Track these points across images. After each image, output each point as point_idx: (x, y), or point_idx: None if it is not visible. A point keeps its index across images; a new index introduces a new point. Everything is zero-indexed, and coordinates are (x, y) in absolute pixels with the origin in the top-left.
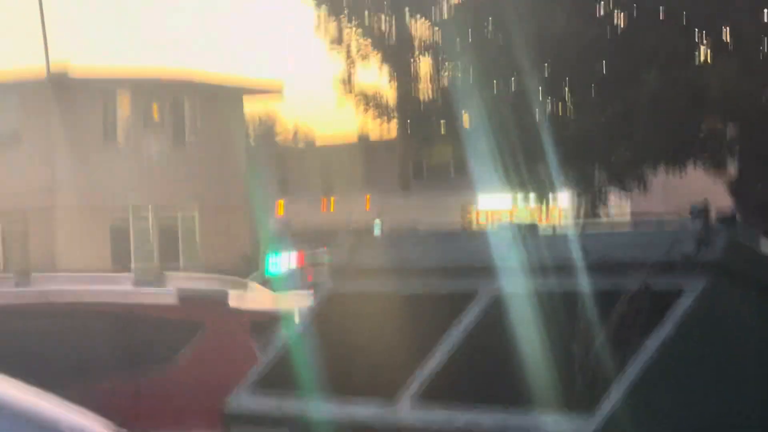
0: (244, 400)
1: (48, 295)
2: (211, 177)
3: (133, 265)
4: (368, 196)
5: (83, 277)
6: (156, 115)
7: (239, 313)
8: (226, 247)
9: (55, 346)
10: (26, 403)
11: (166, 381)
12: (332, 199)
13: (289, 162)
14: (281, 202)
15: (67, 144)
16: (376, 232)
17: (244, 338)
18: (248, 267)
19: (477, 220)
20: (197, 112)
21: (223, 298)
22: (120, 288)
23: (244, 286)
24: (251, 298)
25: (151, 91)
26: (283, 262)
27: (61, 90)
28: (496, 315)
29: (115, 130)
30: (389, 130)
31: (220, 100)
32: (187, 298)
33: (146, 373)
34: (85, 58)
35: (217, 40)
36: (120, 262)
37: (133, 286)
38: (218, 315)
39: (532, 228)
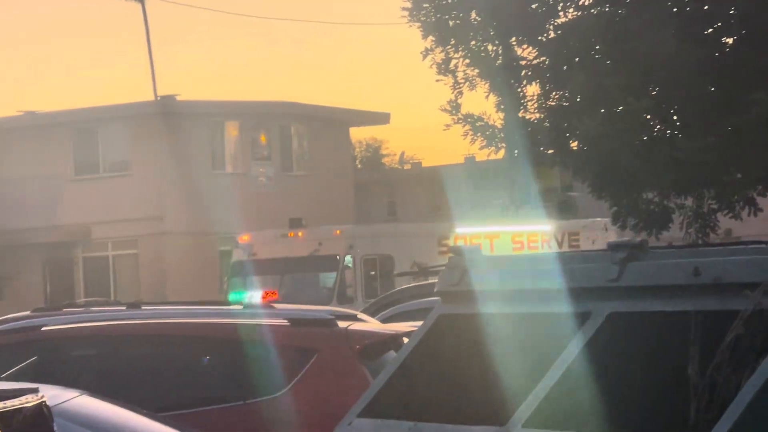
0: (356, 425)
1: (159, 323)
2: (318, 204)
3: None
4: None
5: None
6: (263, 144)
7: (350, 338)
8: None
9: (167, 373)
10: (140, 425)
11: (278, 407)
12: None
13: (397, 184)
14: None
15: (176, 173)
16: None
17: (356, 363)
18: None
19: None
20: (304, 142)
21: (333, 323)
22: (230, 314)
23: (352, 317)
24: (360, 325)
25: (259, 121)
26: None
27: (170, 120)
28: (609, 337)
29: (223, 159)
30: (496, 152)
31: (327, 130)
32: (298, 324)
33: (258, 399)
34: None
35: (323, 71)
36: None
37: (245, 312)
38: (329, 340)
39: (642, 247)
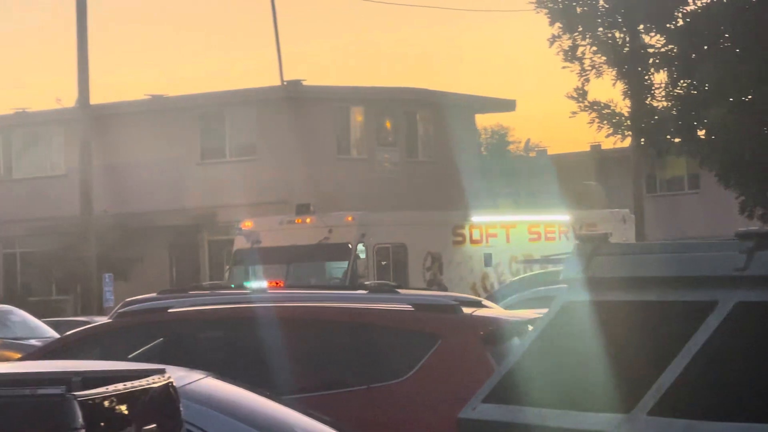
0: (480, 410)
1: (283, 307)
2: (442, 190)
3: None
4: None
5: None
6: (389, 130)
7: (474, 324)
8: None
9: (291, 357)
10: (265, 407)
11: (401, 392)
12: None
13: (522, 171)
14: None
15: (302, 157)
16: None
17: (480, 349)
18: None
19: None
20: (430, 128)
21: (458, 309)
22: (354, 298)
23: (477, 303)
24: (484, 312)
25: (385, 108)
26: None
27: (296, 105)
28: (736, 326)
29: (348, 144)
30: (622, 140)
31: (453, 117)
32: (422, 309)
33: (381, 384)
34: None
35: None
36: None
37: (368, 297)
38: (454, 326)
39: None
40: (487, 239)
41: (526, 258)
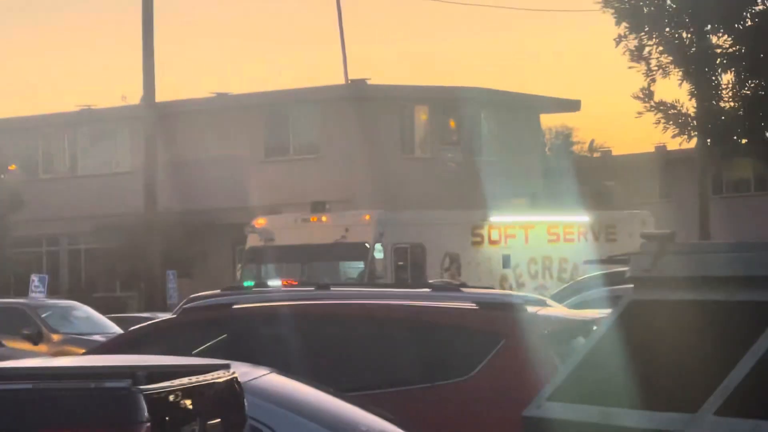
0: (544, 409)
1: (347, 304)
2: (506, 190)
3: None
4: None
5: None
6: (452, 129)
7: (539, 323)
8: None
9: (354, 353)
10: (328, 404)
11: (465, 390)
12: None
13: (586, 172)
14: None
15: (366, 156)
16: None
17: (544, 348)
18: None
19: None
20: (494, 128)
21: (522, 308)
22: (418, 296)
23: (541, 302)
24: (548, 311)
25: (449, 107)
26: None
27: (360, 104)
28: None
29: (412, 143)
30: (688, 141)
31: (517, 117)
32: (486, 308)
33: (445, 381)
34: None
35: (514, 57)
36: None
37: (432, 295)
38: (518, 325)
39: None
40: (505, 240)
41: (587, 260)
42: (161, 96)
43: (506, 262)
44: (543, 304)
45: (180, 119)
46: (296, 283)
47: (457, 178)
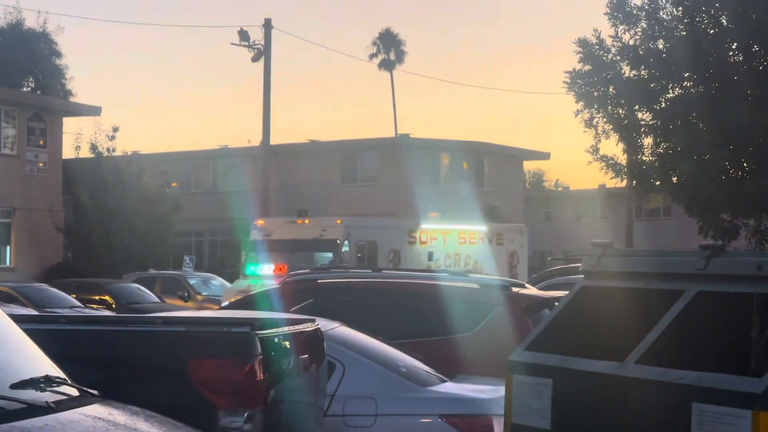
0: (522, 356)
1: (392, 281)
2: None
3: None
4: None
5: (416, 271)
6: (465, 169)
7: (519, 298)
8: (505, 259)
9: (396, 314)
10: (379, 347)
11: (469, 341)
12: None
13: (552, 200)
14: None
15: (407, 184)
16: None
17: (522, 316)
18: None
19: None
20: (492, 169)
21: (509, 288)
22: (441, 278)
23: (521, 285)
24: (525, 291)
25: (463, 154)
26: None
27: (405, 150)
28: (699, 307)
29: (438, 178)
30: (621, 181)
31: (507, 162)
32: (485, 287)
33: (456, 335)
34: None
35: (505, 120)
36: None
37: (450, 277)
38: (506, 299)
39: (723, 249)
40: (430, 241)
41: (553, 257)
42: (274, 140)
43: (431, 256)
44: (522, 286)
45: (286, 156)
46: (285, 268)
47: (466, 202)
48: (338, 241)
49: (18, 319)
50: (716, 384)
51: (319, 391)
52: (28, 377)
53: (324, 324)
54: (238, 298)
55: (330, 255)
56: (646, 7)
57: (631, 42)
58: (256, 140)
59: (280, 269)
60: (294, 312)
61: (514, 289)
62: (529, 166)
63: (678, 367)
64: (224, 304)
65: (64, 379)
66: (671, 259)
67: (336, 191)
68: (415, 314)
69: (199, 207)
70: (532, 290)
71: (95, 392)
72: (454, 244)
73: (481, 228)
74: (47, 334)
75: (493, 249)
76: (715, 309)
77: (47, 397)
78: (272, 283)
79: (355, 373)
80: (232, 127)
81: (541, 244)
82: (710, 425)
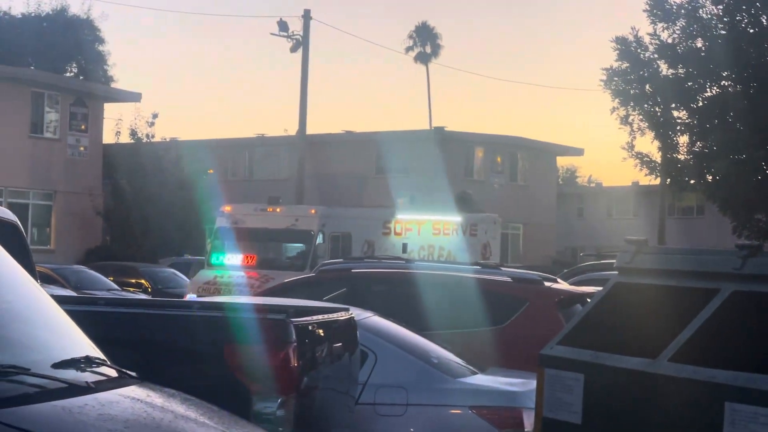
0: (555, 350)
1: (424, 273)
2: (531, 205)
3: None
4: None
5: (448, 263)
6: (499, 163)
7: (552, 293)
8: (540, 252)
9: (428, 305)
10: (411, 337)
11: (501, 334)
12: None
13: (585, 196)
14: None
15: (440, 178)
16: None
17: (554, 310)
18: (554, 267)
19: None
20: (526, 163)
21: (541, 282)
22: (473, 270)
23: (553, 279)
24: (558, 285)
25: (497, 148)
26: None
27: (439, 142)
28: (734, 307)
29: (472, 171)
30: (654, 179)
31: (541, 157)
32: (518, 281)
33: (488, 328)
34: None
35: (542, 115)
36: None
37: (481, 270)
38: (538, 293)
39: (759, 249)
40: (405, 232)
41: (585, 253)
42: (310, 129)
43: (405, 248)
44: (554, 281)
45: (322, 146)
46: (255, 258)
47: (500, 196)
48: (312, 232)
49: (58, 300)
50: (750, 384)
51: (351, 379)
52: (69, 357)
53: (357, 313)
54: (204, 288)
55: (303, 246)
56: (686, 5)
57: (669, 40)
58: (292, 129)
59: (249, 259)
60: (327, 301)
61: (547, 284)
62: (562, 161)
63: (711, 366)
64: (189, 296)
65: (104, 360)
66: (707, 258)
67: (369, 182)
68: (447, 306)
69: (235, 195)
70: (564, 285)
71: (133, 374)
72: (428, 235)
73: (455, 219)
74: (86, 315)
75: (467, 240)
76: (750, 309)
77: (87, 377)
78: (240, 274)
79: (387, 363)
80: (269, 116)
81: (572, 240)
82: (742, 424)
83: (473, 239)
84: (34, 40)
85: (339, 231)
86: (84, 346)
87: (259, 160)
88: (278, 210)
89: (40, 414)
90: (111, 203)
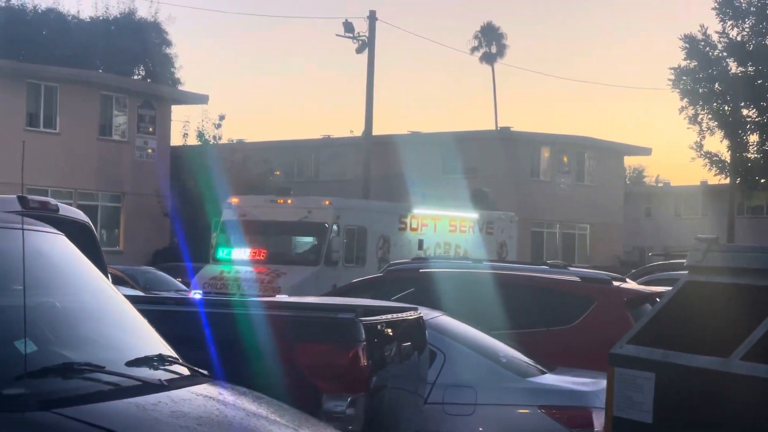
0: (625, 349)
1: (495, 273)
2: (598, 205)
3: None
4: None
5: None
6: (565, 163)
7: (621, 292)
8: (607, 252)
9: (497, 305)
10: (480, 337)
11: (568, 334)
12: None
13: (652, 196)
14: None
15: (506, 178)
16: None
17: (623, 310)
18: (622, 267)
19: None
20: (593, 163)
21: (610, 281)
22: (541, 270)
23: (622, 279)
24: (626, 285)
25: (563, 148)
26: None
27: (505, 143)
28: None
29: (538, 171)
30: (724, 178)
31: (608, 156)
32: (586, 280)
33: (556, 327)
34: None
35: (608, 115)
36: (535, 256)
37: (549, 270)
38: (607, 293)
39: None
40: (421, 228)
41: (653, 252)
42: (377, 130)
43: (421, 245)
44: (623, 280)
45: (388, 147)
46: (263, 253)
47: (567, 196)
48: (326, 225)
49: (130, 300)
50: None
51: (420, 378)
52: (142, 355)
53: (426, 313)
54: (210, 283)
55: (312, 240)
56: (756, 3)
57: (739, 38)
58: (358, 130)
59: (258, 254)
60: (396, 301)
61: (615, 283)
62: (629, 161)
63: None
64: (193, 292)
65: (176, 359)
66: None
67: (436, 183)
68: (515, 305)
69: (301, 195)
70: (633, 285)
71: (205, 372)
72: (445, 232)
73: (472, 215)
74: (156, 314)
75: (483, 238)
76: None
77: (160, 375)
78: (248, 270)
79: (455, 363)
80: (335, 117)
81: (640, 240)
82: None
83: (489, 237)
84: (103, 43)
85: (354, 224)
86: (157, 344)
87: (325, 161)
88: (289, 201)
89: (115, 411)
90: (178, 205)
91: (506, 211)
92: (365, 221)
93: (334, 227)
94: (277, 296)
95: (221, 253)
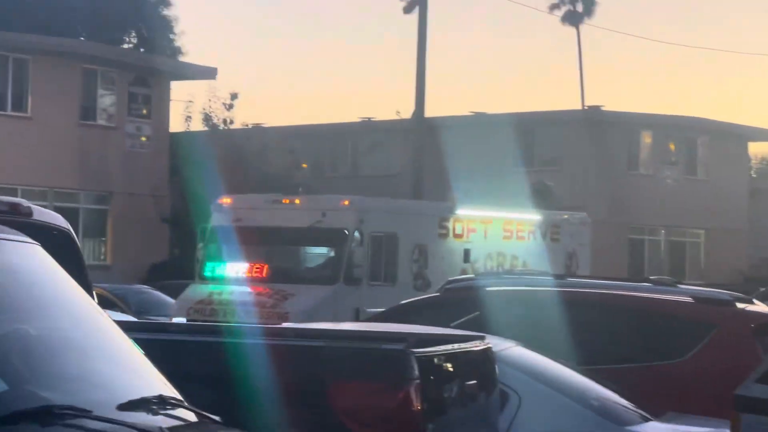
0: (753, 389)
1: (581, 292)
2: (716, 205)
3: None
4: None
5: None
6: (672, 151)
7: (747, 317)
8: (727, 265)
9: (584, 333)
10: (564, 374)
11: (678, 372)
12: None
13: None
14: None
15: (598, 170)
16: None
17: (751, 339)
18: (747, 284)
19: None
20: (708, 152)
21: (733, 303)
22: (639, 288)
23: (748, 300)
24: (753, 307)
25: (669, 132)
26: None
27: (595, 127)
28: None
29: (637, 162)
30: None
31: (727, 143)
32: (701, 302)
33: (661, 362)
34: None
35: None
36: (634, 270)
37: (652, 288)
38: (729, 317)
39: None
40: (467, 234)
41: None
42: (430, 111)
43: (467, 256)
44: (749, 301)
45: (445, 132)
46: (264, 269)
47: (674, 193)
48: (345, 232)
49: (122, 327)
50: None
51: (489, 426)
52: (138, 397)
53: (495, 343)
54: (196, 308)
55: (327, 251)
56: None
57: None
58: (406, 112)
59: (257, 270)
60: (457, 327)
61: (740, 305)
62: (756, 149)
63: None
64: (176, 319)
65: (180, 401)
66: None
67: (507, 177)
68: (610, 334)
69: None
70: (762, 307)
71: (216, 418)
72: (497, 238)
73: (533, 217)
74: (154, 345)
75: (547, 246)
76: None
77: (160, 421)
78: (244, 290)
79: (534, 406)
80: (378, 97)
81: (388, 225)
82: None
83: (555, 245)
84: (85, 4)
85: (382, 230)
86: (156, 382)
87: (365, 151)
88: (297, 201)
89: None
90: (180, 207)
91: (577, 212)
92: (396, 226)
93: (356, 234)
94: (284, 324)
95: (209, 269)
